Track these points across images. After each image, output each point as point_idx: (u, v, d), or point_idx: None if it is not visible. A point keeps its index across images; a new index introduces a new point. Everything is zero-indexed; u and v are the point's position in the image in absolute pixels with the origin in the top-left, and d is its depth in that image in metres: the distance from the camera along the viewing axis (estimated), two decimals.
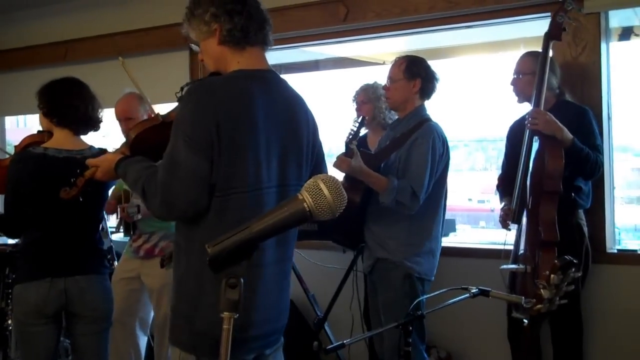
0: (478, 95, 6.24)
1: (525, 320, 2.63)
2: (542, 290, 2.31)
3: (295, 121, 2.34)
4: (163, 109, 4.39)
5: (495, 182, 4.10)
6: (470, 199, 7.79)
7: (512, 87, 3.82)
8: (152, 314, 4.20)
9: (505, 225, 3.73)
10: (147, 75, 4.67)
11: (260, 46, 2.32)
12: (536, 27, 4.32)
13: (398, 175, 3.62)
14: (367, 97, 4.49)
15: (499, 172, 4.13)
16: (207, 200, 2.12)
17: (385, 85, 3.83)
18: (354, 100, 4.62)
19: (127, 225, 4.02)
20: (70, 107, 3.28)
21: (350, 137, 3.69)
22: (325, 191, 1.42)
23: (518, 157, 3.59)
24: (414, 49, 5.66)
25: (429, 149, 3.57)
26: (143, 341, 4.24)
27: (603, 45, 4.07)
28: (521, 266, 3.44)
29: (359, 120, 3.77)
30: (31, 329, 3.23)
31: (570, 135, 3.43)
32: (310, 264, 4.58)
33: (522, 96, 3.77)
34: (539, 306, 2.32)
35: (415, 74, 3.71)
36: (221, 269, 1.45)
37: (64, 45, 5.93)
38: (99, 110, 3.40)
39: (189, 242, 2.21)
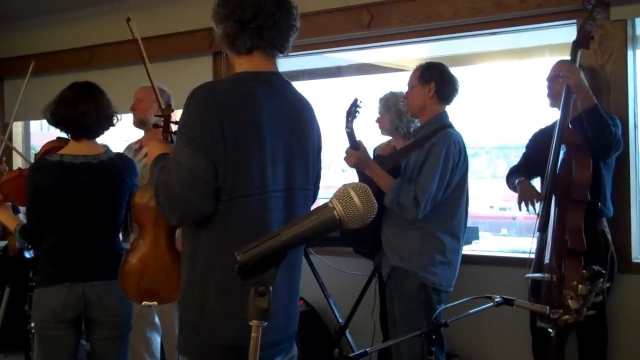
0: (501, 102, 6.20)
1: (550, 330, 2.61)
2: (569, 300, 2.29)
3: (302, 125, 2.30)
4: None
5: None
6: (492, 207, 7.73)
7: (547, 89, 3.83)
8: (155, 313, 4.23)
9: (527, 201, 3.76)
10: (170, 81, 4.69)
11: (270, 50, 2.25)
12: (561, 34, 4.30)
13: (408, 180, 3.58)
14: (383, 108, 4.46)
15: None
16: (212, 203, 2.09)
17: (405, 94, 3.83)
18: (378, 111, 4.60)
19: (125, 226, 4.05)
20: (73, 120, 3.24)
21: (346, 122, 3.69)
22: (356, 199, 1.41)
23: (537, 160, 3.59)
24: (437, 55, 5.64)
25: (441, 157, 3.50)
26: (157, 341, 4.26)
27: (630, 53, 4.04)
28: (547, 275, 3.41)
29: (352, 101, 3.73)
30: (50, 333, 3.23)
31: (594, 99, 3.44)
32: (332, 270, 4.57)
33: (556, 99, 3.71)
34: (566, 317, 2.30)
35: (429, 78, 3.67)
36: (250, 276, 1.44)
37: (89, 50, 5.99)
38: (109, 109, 3.33)
39: (195, 249, 2.18)
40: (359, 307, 4.27)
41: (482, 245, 5.28)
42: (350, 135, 3.70)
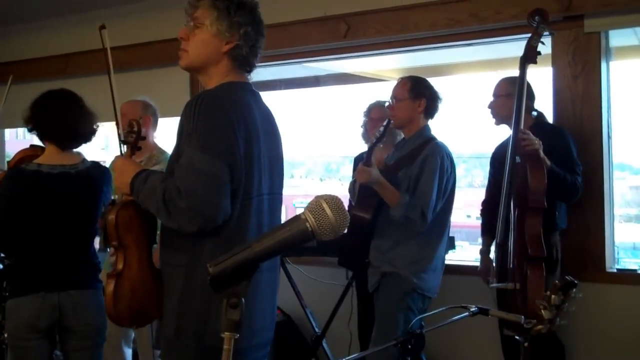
0: (476, 111, 6.26)
1: (518, 338, 2.62)
2: (542, 310, 2.31)
3: (276, 133, 2.43)
4: (164, 123, 4.44)
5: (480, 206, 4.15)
6: (469, 216, 7.79)
7: (489, 109, 3.95)
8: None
9: (485, 279, 3.84)
10: (147, 90, 4.67)
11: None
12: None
13: (409, 193, 3.64)
14: (384, 114, 4.46)
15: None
16: (230, 206, 2.12)
17: (390, 104, 3.88)
18: (365, 115, 4.60)
19: (105, 234, 4.00)
20: (53, 123, 3.20)
21: (375, 140, 3.78)
22: (328, 211, 1.41)
23: (501, 180, 3.65)
24: (414, 65, 5.69)
25: (436, 168, 3.60)
26: (128, 354, 4.25)
27: (603, 65, 4.08)
28: (510, 284, 3.48)
29: (385, 124, 3.80)
30: (24, 343, 3.19)
31: (547, 162, 3.50)
32: (308, 280, 4.57)
33: (499, 118, 3.91)
34: (539, 327, 2.32)
35: (420, 94, 3.77)
36: (222, 288, 1.44)
37: (64, 58, 5.95)
38: (90, 123, 3.28)
39: (194, 258, 2.18)
40: (335, 316, 4.26)
41: (459, 255, 5.31)
42: (370, 152, 3.79)
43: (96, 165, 3.36)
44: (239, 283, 1.44)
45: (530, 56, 3.62)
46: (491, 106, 3.93)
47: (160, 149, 4.18)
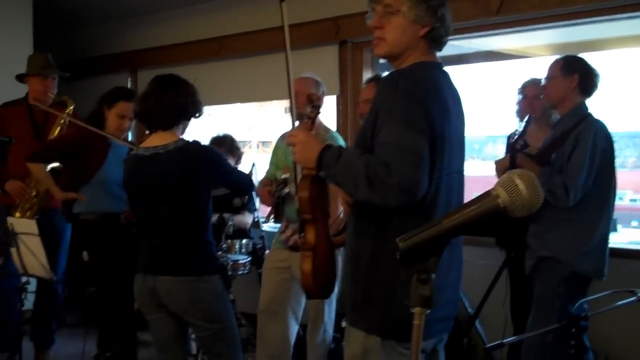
0: (631, 88, 5.98)
1: None
2: None
3: (462, 113, 2.41)
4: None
5: None
6: (620, 198, 7.45)
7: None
8: (303, 303, 4.22)
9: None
10: (296, 70, 4.74)
11: None
12: None
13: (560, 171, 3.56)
14: (538, 92, 4.35)
15: None
16: (427, 182, 2.14)
17: (543, 84, 3.83)
18: (519, 93, 4.49)
19: (277, 208, 4.06)
20: (142, 112, 3.28)
21: (516, 137, 3.74)
22: (522, 187, 1.39)
23: None
24: (565, 41, 5.47)
25: (588, 144, 3.51)
26: (293, 330, 4.20)
27: None
28: None
29: (526, 119, 3.74)
30: (146, 316, 3.33)
31: None
32: None
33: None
34: None
35: (573, 69, 3.68)
36: (412, 264, 1.45)
37: (218, 41, 6.10)
38: (184, 100, 3.25)
39: (384, 228, 2.20)
40: (488, 298, 4.20)
41: (616, 238, 5.09)
42: (513, 150, 3.79)
43: (189, 145, 3.26)
44: (428, 259, 1.45)
45: None
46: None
47: (325, 126, 4.18)
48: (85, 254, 4.10)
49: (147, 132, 3.37)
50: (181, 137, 3.31)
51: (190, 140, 3.29)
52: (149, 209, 3.23)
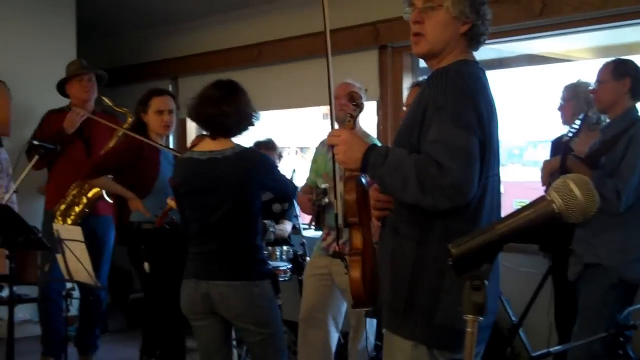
0: None
1: None
2: None
3: (497, 114, 2.33)
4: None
5: None
6: None
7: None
8: (344, 310, 4.21)
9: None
10: (337, 75, 4.73)
11: None
12: None
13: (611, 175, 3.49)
14: (570, 94, 4.29)
15: None
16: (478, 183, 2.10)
17: (594, 88, 3.75)
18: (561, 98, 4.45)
19: (318, 216, 4.05)
20: (215, 119, 3.22)
21: (571, 135, 3.67)
22: (577, 192, 1.36)
23: None
24: (608, 44, 5.37)
25: (639, 151, 3.43)
26: (334, 337, 4.19)
27: None
28: None
29: (581, 117, 3.69)
30: (192, 322, 3.33)
31: None
32: (504, 268, 4.44)
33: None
34: None
35: (624, 73, 3.60)
36: (465, 270, 1.43)
37: (257, 47, 6.13)
38: (249, 109, 3.28)
39: (427, 231, 2.14)
40: (532, 306, 4.13)
41: None
42: (566, 148, 3.71)
43: (247, 151, 3.30)
44: (481, 265, 1.43)
45: None
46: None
47: (363, 131, 4.17)
48: (147, 265, 3.98)
49: (197, 135, 3.41)
50: (237, 142, 3.32)
51: (247, 146, 3.32)
52: (203, 213, 3.24)
